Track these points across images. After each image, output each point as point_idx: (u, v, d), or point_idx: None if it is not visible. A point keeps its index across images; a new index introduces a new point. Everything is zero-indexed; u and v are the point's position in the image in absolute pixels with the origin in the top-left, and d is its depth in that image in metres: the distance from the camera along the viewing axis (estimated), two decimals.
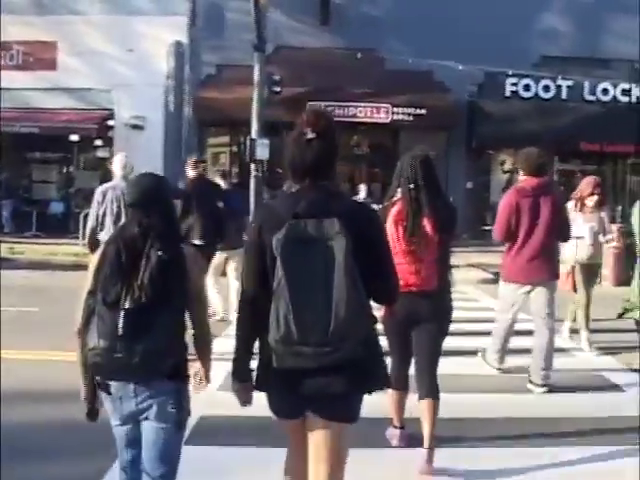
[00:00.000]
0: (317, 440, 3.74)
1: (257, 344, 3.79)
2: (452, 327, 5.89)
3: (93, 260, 3.99)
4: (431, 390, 5.70)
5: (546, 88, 25.75)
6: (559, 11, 25.16)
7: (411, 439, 5.97)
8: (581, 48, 24.80)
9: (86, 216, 13.65)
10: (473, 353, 8.82)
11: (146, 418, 3.91)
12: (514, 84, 25.67)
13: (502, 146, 25.60)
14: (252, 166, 21.77)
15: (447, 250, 5.74)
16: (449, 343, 5.98)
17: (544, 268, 7.68)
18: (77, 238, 19.59)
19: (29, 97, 24.66)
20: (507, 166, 26.57)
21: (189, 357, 4.04)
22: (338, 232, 3.44)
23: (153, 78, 24.43)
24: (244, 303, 3.79)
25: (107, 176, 25.18)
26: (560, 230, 7.86)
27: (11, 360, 8.30)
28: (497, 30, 23.52)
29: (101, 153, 25.81)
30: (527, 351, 8.09)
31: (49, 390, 7.41)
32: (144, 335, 3.67)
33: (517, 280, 7.88)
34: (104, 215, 8.78)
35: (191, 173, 10.54)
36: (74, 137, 24.94)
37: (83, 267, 9.83)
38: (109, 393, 3.88)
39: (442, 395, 5.79)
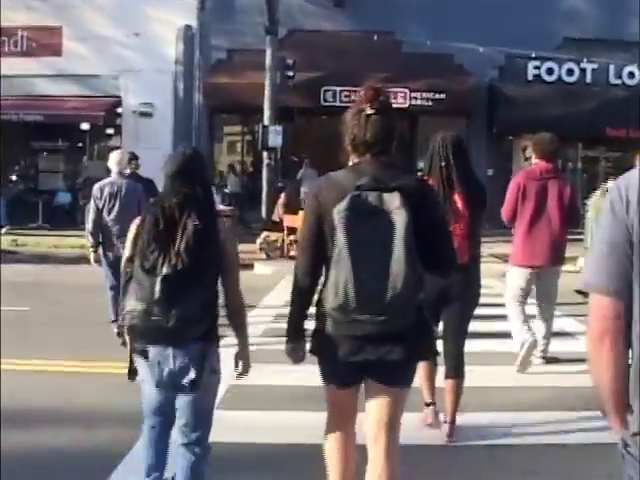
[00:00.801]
0: (378, 405, 3.91)
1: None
2: (478, 326, 6.25)
3: (131, 229, 4.17)
4: (456, 369, 5.87)
5: (570, 71, 25.05)
6: None
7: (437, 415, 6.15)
8: (606, 30, 23.88)
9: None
10: (501, 355, 8.49)
11: (182, 383, 4.03)
12: (536, 67, 25.00)
13: (524, 132, 24.26)
14: (264, 154, 21.35)
15: (478, 225, 5.87)
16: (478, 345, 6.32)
17: (550, 253, 7.80)
18: (84, 230, 18.83)
19: (34, 84, 24.18)
20: (529, 152, 25.27)
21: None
22: (399, 206, 3.57)
23: (162, 64, 24.09)
24: (301, 265, 3.94)
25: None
26: (569, 216, 7.96)
27: None
28: (518, 11, 23.01)
29: (112, 142, 25.31)
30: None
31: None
32: (179, 300, 3.84)
33: (523, 264, 8.01)
34: (102, 210, 9.17)
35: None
36: (85, 126, 24.66)
37: (88, 260, 10.12)
38: (146, 358, 4.04)
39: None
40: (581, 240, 11.82)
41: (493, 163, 24.66)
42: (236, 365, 4.30)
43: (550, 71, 25.04)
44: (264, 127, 21.02)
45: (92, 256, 9.49)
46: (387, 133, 3.88)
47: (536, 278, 7.99)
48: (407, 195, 3.61)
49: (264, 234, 18.49)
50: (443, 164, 5.70)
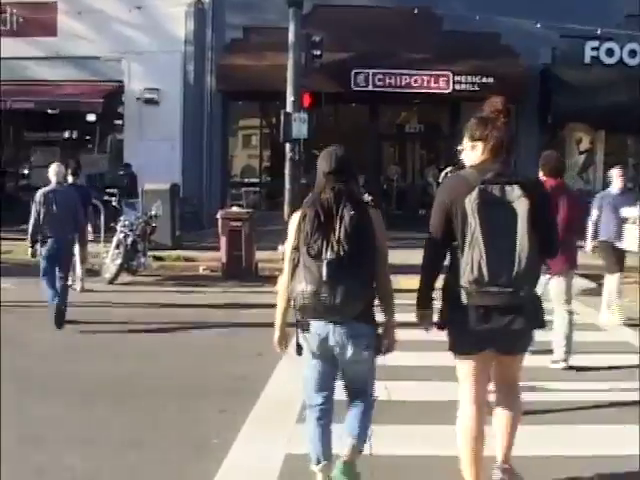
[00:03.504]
0: (502, 369, 4.88)
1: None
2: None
3: (293, 221, 4.85)
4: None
5: (632, 53, 23.19)
6: None
7: None
8: None
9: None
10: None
11: (342, 354, 4.73)
12: (595, 48, 23.21)
13: (581, 121, 23.38)
14: (287, 146, 19.02)
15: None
16: None
17: (564, 259, 8.03)
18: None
19: (24, 68, 22.81)
20: (584, 145, 24.45)
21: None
22: (520, 196, 4.47)
23: (169, 44, 22.83)
24: (431, 247, 4.81)
25: (118, 158, 23.21)
26: (577, 226, 8.79)
27: None
28: None
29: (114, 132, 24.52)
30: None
31: None
32: (343, 281, 4.51)
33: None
34: (45, 214, 10.71)
35: (68, 178, 12.67)
36: (91, 117, 23.17)
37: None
38: (308, 330, 4.73)
39: None
40: None
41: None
42: (381, 344, 4.87)
43: (610, 52, 23.23)
44: (286, 115, 18.72)
45: (30, 251, 10.95)
46: (504, 133, 4.74)
47: (550, 281, 8.45)
48: (523, 187, 4.50)
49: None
50: None
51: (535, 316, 4.69)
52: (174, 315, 11.37)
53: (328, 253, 4.50)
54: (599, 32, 21.69)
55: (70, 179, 12.83)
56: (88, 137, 24.90)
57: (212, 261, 16.03)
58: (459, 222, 4.55)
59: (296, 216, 4.81)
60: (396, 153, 25.11)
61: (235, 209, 16.45)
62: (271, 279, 14.42)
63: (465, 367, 4.78)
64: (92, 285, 13.69)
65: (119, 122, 23.89)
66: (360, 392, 4.94)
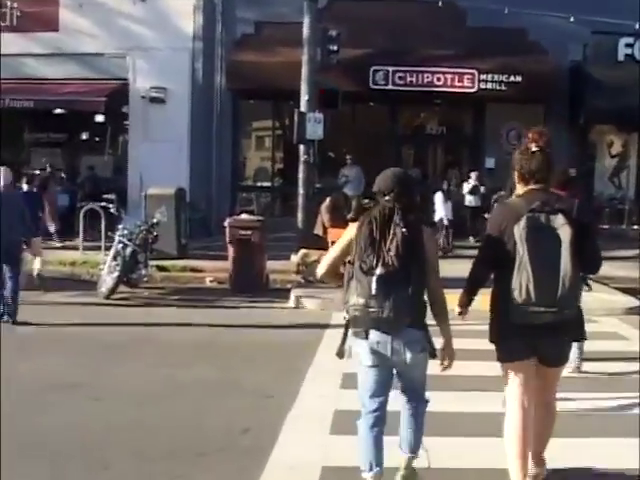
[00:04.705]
0: (546, 378, 5.32)
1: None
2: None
3: (346, 234, 5.22)
4: None
5: None
6: None
7: None
8: None
9: (87, 212, 17.20)
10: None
11: (399, 361, 5.02)
12: (629, 45, 22.36)
13: (613, 123, 22.64)
14: (301, 148, 17.98)
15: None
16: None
17: None
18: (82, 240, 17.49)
19: (24, 65, 22.20)
20: (615, 149, 23.49)
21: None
22: (564, 223, 4.92)
23: (177, 40, 22.08)
24: (479, 265, 5.33)
25: (122, 162, 22.42)
26: None
27: None
28: None
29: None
30: None
31: None
32: (391, 295, 4.81)
33: None
34: None
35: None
36: (99, 118, 22.72)
37: (74, 283, 14.06)
38: (366, 338, 4.97)
39: None
40: None
41: (575, 161, 20.98)
42: (442, 357, 5.18)
43: None
44: (300, 114, 17.70)
45: None
46: (547, 165, 5.23)
47: None
48: (566, 214, 4.95)
49: (302, 252, 14.97)
50: None
51: (576, 330, 5.27)
52: (168, 340, 10.15)
53: (378, 269, 4.83)
54: (637, 26, 20.68)
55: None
56: (97, 139, 24.41)
57: (220, 272, 15.02)
58: (508, 247, 5.03)
59: (353, 227, 5.17)
60: (415, 156, 24.25)
61: (244, 216, 15.42)
62: (283, 292, 13.68)
63: (511, 371, 5.28)
64: (87, 299, 12.79)
65: (127, 123, 23.28)
66: (416, 395, 5.26)
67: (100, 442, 6.29)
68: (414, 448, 5.31)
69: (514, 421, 5.25)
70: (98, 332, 10.61)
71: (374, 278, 4.79)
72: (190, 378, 8.29)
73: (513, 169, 5.35)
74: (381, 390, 5.14)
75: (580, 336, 5.42)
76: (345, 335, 5.10)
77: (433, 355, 5.11)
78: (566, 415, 6.12)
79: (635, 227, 22.37)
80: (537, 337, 5.03)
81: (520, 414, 5.22)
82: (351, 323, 5.03)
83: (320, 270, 5.35)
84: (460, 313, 5.44)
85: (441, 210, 19.05)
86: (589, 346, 7.76)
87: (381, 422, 5.15)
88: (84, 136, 24.33)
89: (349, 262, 5.04)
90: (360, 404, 5.20)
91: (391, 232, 4.91)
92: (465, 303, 5.43)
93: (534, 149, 5.24)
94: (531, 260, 4.81)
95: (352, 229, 5.16)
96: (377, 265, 4.83)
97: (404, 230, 4.89)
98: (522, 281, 4.83)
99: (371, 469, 5.09)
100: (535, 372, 5.26)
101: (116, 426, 6.68)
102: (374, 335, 4.95)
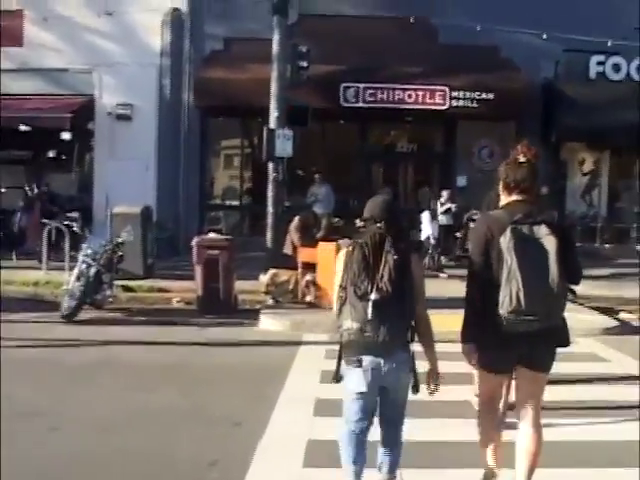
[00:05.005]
0: (527, 386, 5.33)
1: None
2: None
3: (340, 258, 5.27)
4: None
5: None
6: None
7: None
8: None
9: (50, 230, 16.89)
10: None
11: (392, 383, 5.11)
12: (600, 63, 22.52)
13: (585, 140, 22.69)
14: (270, 166, 17.62)
15: None
16: None
17: None
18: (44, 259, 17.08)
19: None
20: (587, 166, 23.59)
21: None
22: (548, 234, 5.03)
23: (144, 55, 21.84)
24: (474, 281, 5.29)
25: (87, 179, 22.02)
26: None
27: None
28: None
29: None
30: None
31: None
32: (386, 319, 4.95)
33: None
34: None
35: None
36: (65, 135, 21.99)
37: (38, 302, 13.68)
38: (360, 365, 5.03)
39: None
40: None
41: (547, 178, 20.91)
42: (428, 383, 5.26)
43: (617, 67, 22.57)
44: (270, 131, 17.39)
45: None
46: (533, 176, 5.36)
47: None
48: (549, 225, 5.06)
49: (271, 272, 14.57)
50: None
51: (562, 336, 5.28)
52: (133, 364, 9.81)
53: (373, 294, 4.93)
54: (609, 44, 20.99)
55: None
56: (64, 157, 23.82)
57: (187, 292, 14.73)
58: (494, 258, 5.12)
59: (342, 253, 5.29)
60: (385, 174, 23.98)
61: (212, 235, 15.10)
62: (252, 313, 13.36)
63: (485, 383, 5.46)
64: (50, 320, 12.46)
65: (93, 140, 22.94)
66: (399, 415, 5.30)
67: (57, 476, 5.94)
68: (394, 468, 5.34)
69: (485, 403, 5.50)
70: (60, 355, 10.25)
71: (370, 303, 4.90)
72: (155, 404, 7.94)
73: (498, 180, 5.43)
74: (367, 411, 5.20)
75: (565, 342, 5.44)
76: (339, 359, 5.17)
77: (416, 389, 5.17)
78: (550, 444, 5.74)
79: (607, 245, 22.36)
80: (524, 345, 5.10)
81: (490, 435, 5.44)
82: (344, 348, 5.12)
83: (337, 308, 5.20)
84: (468, 360, 5.36)
85: (428, 229, 18.86)
86: (569, 369, 7.77)
87: (364, 430, 5.22)
88: (50, 154, 23.81)
89: (341, 286, 5.12)
90: (344, 420, 5.24)
91: (383, 259, 5.04)
92: (470, 336, 5.28)
93: (522, 160, 5.34)
94: (520, 269, 4.90)
95: (342, 256, 5.25)
96: (371, 290, 4.94)
97: (395, 257, 5.02)
98: (512, 290, 4.92)
99: (355, 463, 5.19)
100: (516, 381, 5.46)
101: (74, 458, 6.30)
102: (367, 361, 5.02)
